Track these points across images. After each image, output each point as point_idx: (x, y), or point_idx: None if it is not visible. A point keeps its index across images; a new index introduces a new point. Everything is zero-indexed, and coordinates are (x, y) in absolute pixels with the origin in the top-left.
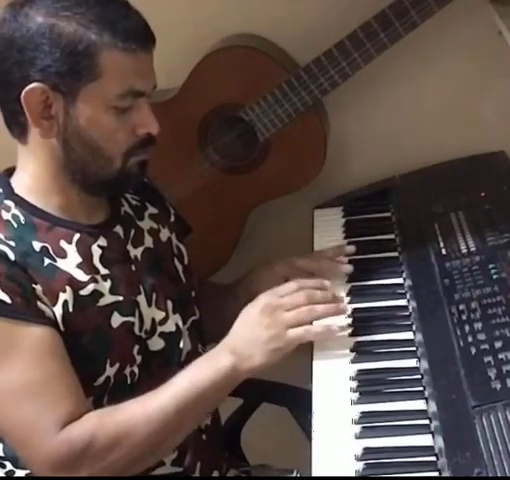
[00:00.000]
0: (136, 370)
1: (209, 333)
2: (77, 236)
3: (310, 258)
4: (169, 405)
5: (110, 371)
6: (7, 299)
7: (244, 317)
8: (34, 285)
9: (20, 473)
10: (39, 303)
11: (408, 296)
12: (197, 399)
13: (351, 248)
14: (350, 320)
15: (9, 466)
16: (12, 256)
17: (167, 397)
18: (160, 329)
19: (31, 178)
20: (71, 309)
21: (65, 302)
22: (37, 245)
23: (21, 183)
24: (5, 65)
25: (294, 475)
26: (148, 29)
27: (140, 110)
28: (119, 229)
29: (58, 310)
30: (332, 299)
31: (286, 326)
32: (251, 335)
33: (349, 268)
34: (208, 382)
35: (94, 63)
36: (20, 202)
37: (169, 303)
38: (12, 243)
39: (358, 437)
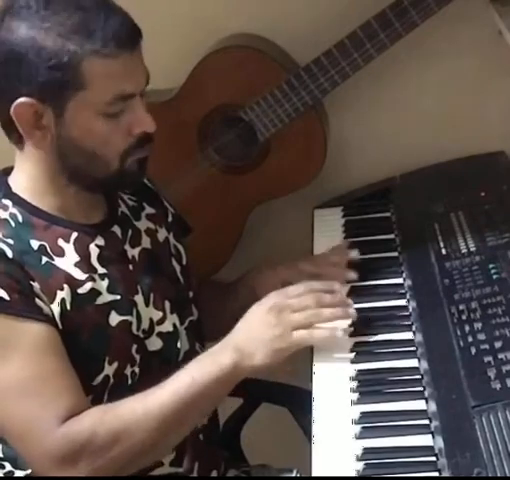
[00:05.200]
0: (137, 370)
1: (210, 332)
2: (75, 235)
3: (313, 262)
4: (170, 402)
5: (109, 370)
6: (5, 296)
7: (250, 315)
8: (32, 282)
9: (19, 473)
10: (37, 300)
11: (408, 296)
12: (198, 396)
13: (354, 254)
14: (350, 321)
15: (8, 467)
16: (10, 254)
17: (168, 393)
18: (158, 329)
19: (28, 179)
20: (69, 307)
21: (63, 300)
22: (35, 243)
23: (18, 183)
24: None
25: (294, 475)
26: (131, 28)
27: (133, 110)
28: (117, 229)
29: (56, 308)
30: (340, 303)
31: (292, 327)
32: (256, 333)
33: (353, 276)
34: (209, 378)
35: (77, 74)
36: (18, 201)
37: (167, 303)
38: (10, 241)
39: (358, 437)
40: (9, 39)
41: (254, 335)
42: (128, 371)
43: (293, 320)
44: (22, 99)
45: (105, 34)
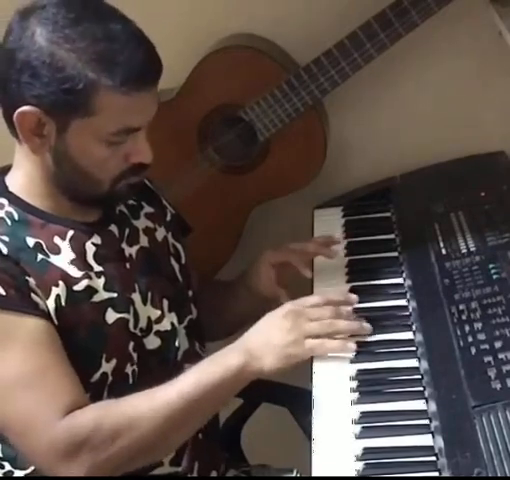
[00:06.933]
0: (137, 369)
1: (211, 331)
2: (71, 233)
3: (299, 242)
4: (176, 401)
5: (106, 367)
6: (1, 291)
7: (266, 319)
8: (27, 278)
9: (19, 473)
10: (33, 295)
11: (408, 296)
12: (204, 396)
13: (338, 235)
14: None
15: (8, 466)
16: (5, 250)
17: (174, 392)
18: (156, 327)
19: (26, 178)
20: (64, 303)
21: (57, 296)
22: (31, 241)
23: (15, 182)
24: (4, 75)
25: (294, 475)
26: (153, 66)
27: (135, 141)
28: (114, 228)
29: (51, 304)
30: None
31: (306, 334)
32: (269, 337)
33: (335, 250)
34: (216, 380)
35: (89, 102)
36: (14, 200)
37: (165, 302)
38: (6, 238)
39: (358, 437)
40: (28, 47)
41: (267, 339)
42: (129, 370)
43: (308, 328)
44: (28, 107)
45: (127, 71)
